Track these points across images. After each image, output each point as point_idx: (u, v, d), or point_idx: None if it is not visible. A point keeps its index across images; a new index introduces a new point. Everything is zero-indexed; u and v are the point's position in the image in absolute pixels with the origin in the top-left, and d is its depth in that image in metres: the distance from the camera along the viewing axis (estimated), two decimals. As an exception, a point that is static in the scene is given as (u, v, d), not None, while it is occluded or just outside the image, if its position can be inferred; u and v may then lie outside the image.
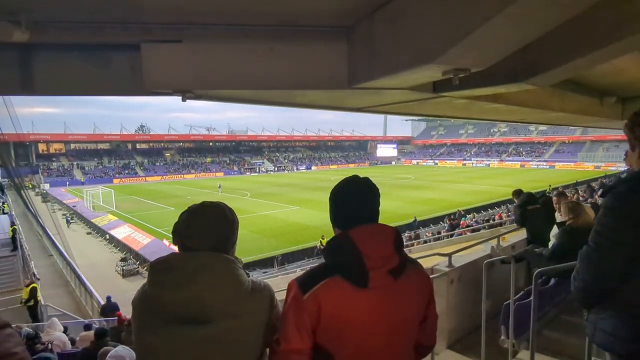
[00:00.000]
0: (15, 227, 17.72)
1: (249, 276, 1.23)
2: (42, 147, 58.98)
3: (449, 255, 3.59)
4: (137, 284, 16.57)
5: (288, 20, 2.41)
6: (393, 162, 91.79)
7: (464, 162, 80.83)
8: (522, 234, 4.79)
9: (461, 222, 19.72)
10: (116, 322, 6.45)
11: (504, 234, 4.83)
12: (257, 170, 71.53)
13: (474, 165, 76.84)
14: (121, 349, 3.45)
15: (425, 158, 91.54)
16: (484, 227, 13.67)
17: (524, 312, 2.75)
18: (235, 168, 71.30)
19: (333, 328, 1.14)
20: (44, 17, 2.20)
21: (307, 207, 31.07)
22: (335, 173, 66.19)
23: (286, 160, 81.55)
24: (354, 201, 1.27)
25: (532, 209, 4.50)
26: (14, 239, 16.93)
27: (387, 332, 1.18)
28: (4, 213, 23.20)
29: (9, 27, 2.10)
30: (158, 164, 67.05)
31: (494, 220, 17.20)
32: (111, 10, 2.20)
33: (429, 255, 4.00)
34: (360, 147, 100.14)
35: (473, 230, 12.56)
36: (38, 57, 2.53)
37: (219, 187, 41.79)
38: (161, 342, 1.10)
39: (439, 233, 17.44)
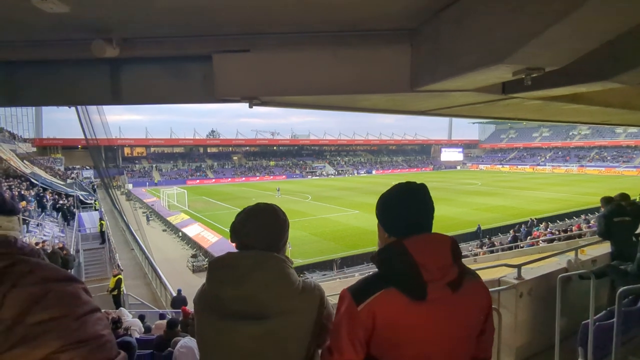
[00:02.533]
0: (103, 222, 19.80)
1: (299, 276, 1.28)
2: (127, 150, 65.45)
3: (518, 266, 3.35)
4: (204, 279, 17.68)
5: (350, 26, 2.44)
6: (458, 167, 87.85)
7: (538, 167, 74.88)
8: (606, 247, 4.31)
9: (533, 232, 18.27)
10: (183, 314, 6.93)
11: (584, 246, 4.37)
12: (319, 174, 72.50)
13: (550, 171, 70.83)
14: (188, 340, 3.72)
15: (494, 163, 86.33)
16: (559, 239, 12.52)
17: (605, 334, 2.48)
18: (298, 171, 72.95)
19: (388, 341, 1.11)
20: (132, 34, 2.45)
21: (366, 211, 30.82)
22: (397, 177, 64.94)
23: (347, 164, 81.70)
24: (409, 208, 1.22)
25: (619, 220, 4.03)
26: (102, 233, 18.93)
27: (445, 346, 1.13)
28: (95, 210, 26.03)
29: (103, 45, 2.36)
30: (226, 166, 70.86)
31: (571, 230, 15.70)
32: (189, 26, 2.39)
33: (496, 266, 3.77)
34: (423, 151, 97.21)
35: (548, 241, 11.54)
36: (125, 70, 2.83)
37: (278, 190, 42.99)
38: (220, 336, 1.18)
39: (507, 242, 16.30)
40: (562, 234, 12.66)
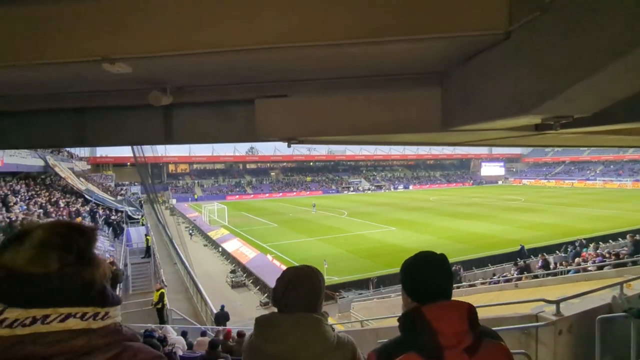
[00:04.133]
0: (149, 237, 20.78)
1: (333, 330, 1.41)
2: (171, 167, 68.71)
3: (557, 302, 3.24)
4: (243, 295, 18.01)
5: (382, 71, 2.58)
6: (500, 182, 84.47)
7: (587, 182, 70.51)
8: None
9: (582, 253, 17.16)
10: (224, 334, 7.17)
11: (631, 280, 4.11)
12: (355, 189, 72.29)
13: (601, 186, 66.46)
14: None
15: (538, 177, 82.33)
16: (608, 266, 11.65)
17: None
18: (334, 187, 73.13)
19: None
20: (183, 84, 2.73)
21: (404, 228, 30.34)
22: (435, 193, 63.52)
23: (383, 179, 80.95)
24: (429, 276, 1.30)
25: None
26: (148, 247, 19.84)
27: None
28: (142, 225, 27.40)
29: (159, 95, 2.64)
30: (264, 182, 72.39)
31: (624, 252, 14.57)
32: (234, 75, 2.63)
33: (532, 301, 3.66)
34: (463, 166, 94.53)
35: (597, 267, 10.80)
36: (176, 114, 3.12)
37: (314, 206, 43.23)
38: None
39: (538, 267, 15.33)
40: (613, 258, 11.79)
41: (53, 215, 18.91)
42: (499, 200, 49.15)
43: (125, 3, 1.89)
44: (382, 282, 18.60)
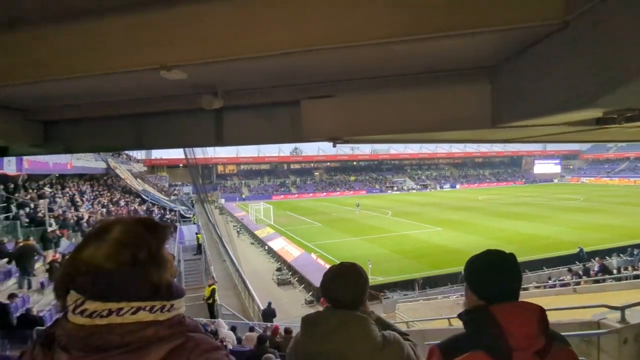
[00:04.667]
0: (200, 235, 21.76)
1: (379, 331, 1.41)
2: (220, 168, 71.46)
3: (622, 309, 2.99)
4: (289, 293, 18.34)
5: (429, 68, 2.53)
6: (555, 180, 79.26)
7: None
8: None
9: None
10: (272, 330, 7.35)
11: None
12: (399, 189, 71.10)
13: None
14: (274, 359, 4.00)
15: (599, 175, 76.29)
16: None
17: None
18: (377, 186, 72.39)
19: None
20: (233, 88, 2.84)
21: (450, 228, 29.39)
22: (484, 192, 60.89)
23: (429, 179, 78.89)
24: (500, 276, 1.26)
25: None
26: (199, 245, 20.78)
27: None
28: (193, 223, 28.73)
29: (211, 99, 2.77)
30: (308, 182, 73.22)
31: None
32: (280, 78, 2.70)
33: (594, 306, 3.42)
34: (514, 164, 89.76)
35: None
36: (226, 117, 3.25)
37: (357, 206, 42.99)
38: None
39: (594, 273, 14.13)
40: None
41: (114, 213, 20.34)
42: (554, 199, 46.19)
43: (180, 13, 2.00)
44: (428, 283, 18.19)
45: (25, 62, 2.31)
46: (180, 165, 57.61)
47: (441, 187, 73.57)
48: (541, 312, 1.19)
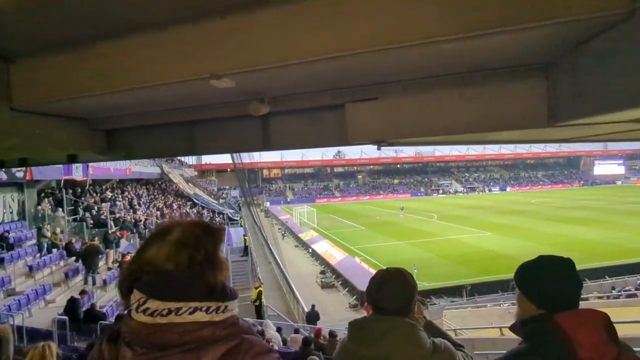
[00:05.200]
0: (247, 237, 22.38)
1: (430, 337, 1.37)
2: (265, 172, 73.39)
3: None
4: (333, 296, 18.34)
5: (478, 66, 2.44)
6: (619, 182, 73.05)
7: None
8: None
9: None
10: (315, 332, 7.39)
11: None
12: (445, 192, 68.96)
13: None
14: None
15: (673, 176, 69.23)
16: None
17: None
18: (422, 189, 70.71)
19: None
20: (279, 94, 2.90)
21: (500, 233, 28.02)
22: (537, 195, 57.49)
23: (477, 181, 75.79)
24: (561, 283, 1.19)
25: None
26: (246, 247, 21.38)
27: None
28: (240, 226, 29.63)
29: (258, 105, 2.85)
30: (351, 185, 73.11)
31: None
32: (324, 82, 2.73)
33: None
34: (570, 165, 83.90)
35: None
36: (272, 122, 3.33)
37: (402, 209, 42.17)
38: None
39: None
40: None
41: (168, 216, 21.47)
42: (617, 203, 42.64)
43: (230, 24, 2.08)
44: (477, 290, 17.42)
45: (90, 77, 2.51)
46: (228, 169, 59.71)
47: (490, 190, 70.47)
48: (607, 318, 1.11)
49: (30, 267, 10.48)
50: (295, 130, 3.25)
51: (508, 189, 71.36)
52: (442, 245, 25.19)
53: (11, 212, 12.87)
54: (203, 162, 63.98)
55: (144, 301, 0.80)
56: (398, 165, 79.74)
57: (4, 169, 10.68)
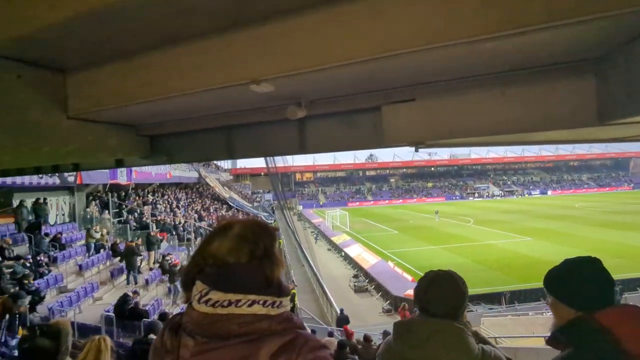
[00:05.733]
0: (281, 240, 22.62)
1: (478, 342, 1.34)
2: (298, 176, 74.03)
3: None
4: (366, 300, 18.18)
5: (521, 64, 2.37)
6: (674, 185, 67.78)
7: None
8: None
9: None
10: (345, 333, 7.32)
11: None
12: (481, 195, 66.76)
13: None
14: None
15: None
16: None
17: None
18: (457, 193, 68.87)
19: None
20: (316, 97, 2.94)
21: (542, 238, 26.76)
22: (581, 199, 54.41)
23: (515, 184, 72.83)
24: (594, 282, 1.17)
25: None
26: (280, 250, 21.62)
27: None
28: (273, 229, 30.00)
29: (295, 109, 2.90)
30: (384, 189, 72.32)
31: None
32: (361, 85, 2.74)
33: None
34: (618, 166, 78.77)
35: None
36: (308, 126, 3.37)
37: (436, 213, 41.21)
38: None
39: None
40: None
41: (205, 219, 22.12)
42: (677, 207, 39.57)
43: (269, 30, 2.14)
44: (517, 297, 16.68)
45: (139, 86, 2.65)
46: (262, 173, 60.73)
47: (529, 194, 67.61)
48: None
49: (80, 266, 11.12)
50: (331, 133, 3.27)
51: (549, 192, 68.19)
52: (478, 250, 24.40)
53: (63, 214, 13.77)
54: (238, 167, 65.45)
55: (206, 292, 0.84)
56: (432, 168, 78.08)
57: (57, 174, 11.45)
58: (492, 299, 16.82)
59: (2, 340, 4.21)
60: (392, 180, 76.00)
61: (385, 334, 9.75)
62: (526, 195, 67.04)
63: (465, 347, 1.29)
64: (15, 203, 11.26)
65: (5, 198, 11.67)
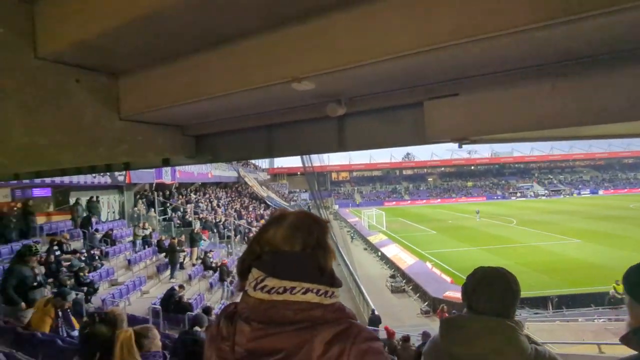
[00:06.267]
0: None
1: (531, 342, 1.28)
2: (334, 175, 74.10)
3: None
4: (403, 301, 17.91)
5: (575, 53, 2.24)
6: None
7: None
8: None
9: None
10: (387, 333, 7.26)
11: None
12: (525, 195, 63.79)
13: None
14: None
15: None
16: None
17: None
18: (499, 192, 66.22)
19: None
20: (355, 94, 2.93)
21: (591, 240, 25.18)
22: (636, 199, 50.51)
23: (562, 183, 68.92)
24: None
25: None
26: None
27: None
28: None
29: (335, 106, 2.91)
30: (421, 188, 70.89)
31: None
32: (402, 80, 2.70)
33: None
34: (684, 164, 72.46)
35: None
36: (348, 123, 3.38)
37: (477, 213, 39.80)
38: None
39: None
40: None
41: (244, 217, 22.69)
42: None
43: (310, 27, 2.16)
44: (565, 302, 15.78)
45: (185, 87, 2.77)
46: (299, 173, 61.38)
47: (578, 193, 63.80)
48: None
49: (129, 261, 11.78)
50: (371, 130, 3.26)
51: (601, 191, 63.95)
52: (522, 252, 23.35)
53: (113, 212, 14.66)
54: (275, 166, 66.53)
55: (262, 279, 0.88)
56: (472, 167, 75.58)
57: (108, 174, 12.19)
58: (537, 303, 16.02)
59: (64, 334, 4.55)
60: (429, 179, 74.33)
61: (424, 335, 9.58)
62: (574, 195, 63.35)
63: (518, 346, 1.24)
64: (72, 201, 12.10)
65: (63, 196, 12.62)
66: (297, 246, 0.91)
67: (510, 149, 76.03)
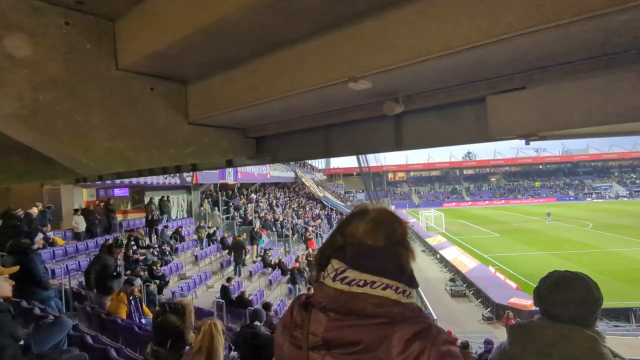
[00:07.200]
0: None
1: (614, 356, 1.16)
2: (390, 175, 72.83)
3: None
4: (463, 305, 17.12)
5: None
6: None
7: None
8: None
9: None
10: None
11: None
12: (603, 196, 57.96)
13: None
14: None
15: None
16: None
17: None
18: (571, 193, 60.86)
19: None
20: (413, 92, 2.88)
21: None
22: None
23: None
24: None
25: None
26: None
27: None
28: (365, 228, 30.17)
29: (392, 105, 2.88)
30: (483, 188, 67.28)
31: None
32: (462, 75, 2.61)
33: None
34: None
35: None
36: (405, 121, 3.33)
37: (549, 215, 36.83)
38: None
39: None
40: None
41: (301, 217, 23.16)
42: None
43: (365, 27, 2.17)
44: (652, 315, 14.06)
45: (247, 90, 2.90)
46: (354, 173, 61.22)
47: (669, 194, 56.54)
48: None
49: (196, 257, 12.55)
50: (430, 128, 3.18)
51: (696, 192, 56.27)
52: (599, 258, 21.24)
53: (182, 210, 15.74)
54: (331, 167, 66.98)
55: (342, 270, 0.88)
56: (540, 166, 70.21)
57: (177, 175, 13.13)
58: (618, 314, 14.48)
59: (138, 320, 4.97)
60: (492, 179, 70.24)
61: (487, 342, 9.09)
62: (664, 196, 56.37)
63: (600, 358, 1.12)
64: (146, 200, 13.19)
65: (139, 196, 13.85)
66: (380, 241, 0.90)
67: (586, 146, 69.44)
